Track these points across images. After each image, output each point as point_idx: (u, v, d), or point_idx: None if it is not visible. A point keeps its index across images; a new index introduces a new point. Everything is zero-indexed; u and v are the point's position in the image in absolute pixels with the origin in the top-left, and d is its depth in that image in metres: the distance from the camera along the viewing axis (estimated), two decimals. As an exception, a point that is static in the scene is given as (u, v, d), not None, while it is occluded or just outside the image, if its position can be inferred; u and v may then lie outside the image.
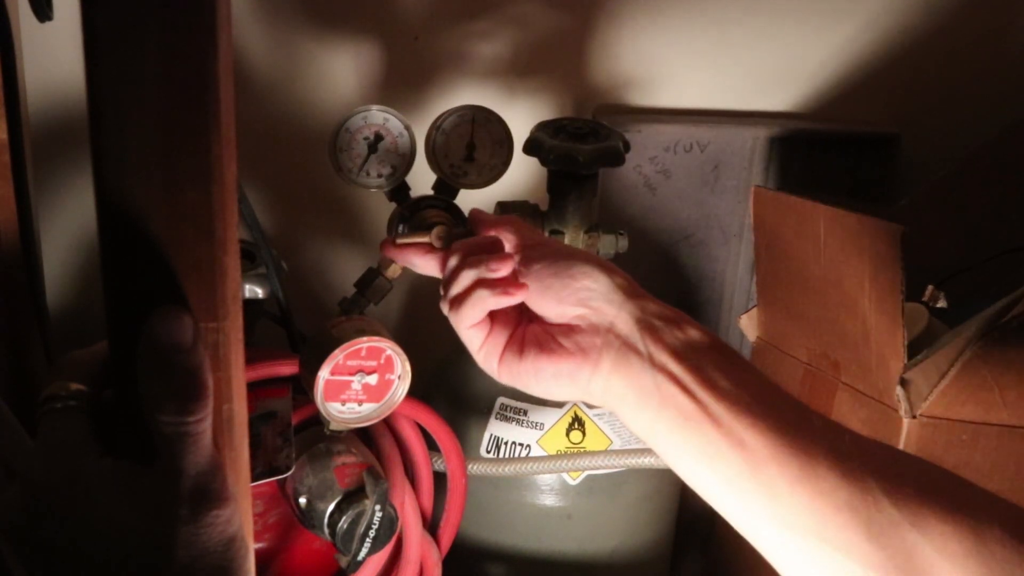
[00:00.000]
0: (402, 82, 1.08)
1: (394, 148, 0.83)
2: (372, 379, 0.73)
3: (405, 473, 0.83)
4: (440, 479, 0.87)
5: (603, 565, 0.93)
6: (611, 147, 0.84)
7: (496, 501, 0.92)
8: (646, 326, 0.54)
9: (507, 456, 0.90)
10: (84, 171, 0.39)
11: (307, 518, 0.75)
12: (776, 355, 0.90)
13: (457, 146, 0.85)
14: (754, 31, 1.11)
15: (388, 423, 0.83)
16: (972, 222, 1.00)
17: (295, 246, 1.12)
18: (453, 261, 0.62)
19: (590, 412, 0.90)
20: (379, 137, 0.83)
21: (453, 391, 0.93)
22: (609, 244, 0.88)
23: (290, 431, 0.75)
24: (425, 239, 0.83)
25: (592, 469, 0.89)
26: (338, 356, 0.71)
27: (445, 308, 0.62)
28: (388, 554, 0.79)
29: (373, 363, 0.72)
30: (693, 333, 0.54)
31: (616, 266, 0.58)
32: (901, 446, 0.74)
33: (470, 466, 0.88)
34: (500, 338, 0.60)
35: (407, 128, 0.83)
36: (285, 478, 0.75)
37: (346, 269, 1.10)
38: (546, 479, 0.90)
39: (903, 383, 0.74)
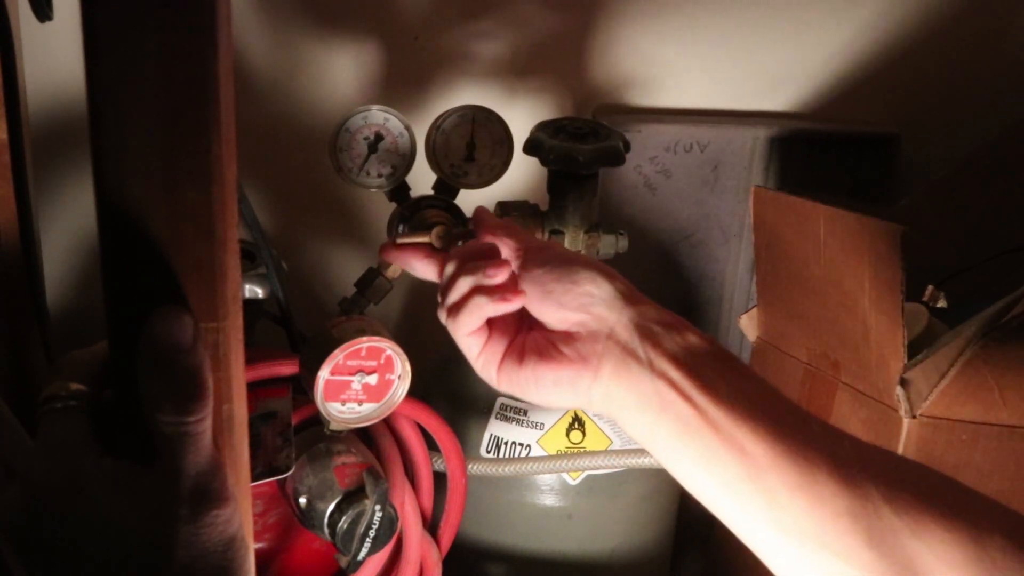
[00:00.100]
0: (402, 82, 1.08)
1: (394, 148, 0.83)
2: (372, 379, 0.73)
3: (405, 473, 0.83)
4: (440, 479, 0.87)
5: (603, 565, 0.93)
6: (611, 147, 0.84)
7: (496, 501, 0.92)
8: (646, 332, 0.54)
9: (507, 456, 0.90)
10: (84, 171, 0.39)
11: (307, 518, 0.75)
12: (776, 355, 0.90)
13: (457, 146, 0.85)
14: (754, 31, 1.11)
15: (388, 423, 0.83)
16: (972, 222, 1.00)
17: (295, 246, 1.12)
18: (450, 268, 0.61)
19: (590, 412, 0.90)
20: (379, 137, 0.83)
21: (453, 391, 0.93)
22: (609, 244, 0.88)
23: (290, 431, 0.75)
24: (425, 239, 0.83)
25: (592, 469, 0.89)
26: (338, 356, 0.71)
27: (443, 316, 0.61)
28: (388, 554, 0.79)
29: (373, 363, 0.72)
30: (693, 339, 0.54)
31: (616, 271, 0.58)
32: (901, 446, 0.74)
33: (470, 466, 0.88)
34: (499, 345, 0.59)
35: (407, 128, 0.83)
36: (285, 478, 0.75)
37: (346, 269, 1.10)
38: (546, 479, 0.90)
39: (903, 383, 0.74)
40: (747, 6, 1.10)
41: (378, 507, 0.73)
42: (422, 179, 0.86)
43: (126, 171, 0.38)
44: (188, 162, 0.38)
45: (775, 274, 0.88)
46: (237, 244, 0.42)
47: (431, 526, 0.87)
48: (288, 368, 0.78)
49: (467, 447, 0.89)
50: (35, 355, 0.79)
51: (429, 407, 0.84)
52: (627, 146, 0.86)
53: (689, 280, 1.12)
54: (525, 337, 0.59)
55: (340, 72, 1.07)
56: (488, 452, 0.90)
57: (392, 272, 0.87)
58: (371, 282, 0.88)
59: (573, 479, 0.90)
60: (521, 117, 0.91)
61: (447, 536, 0.88)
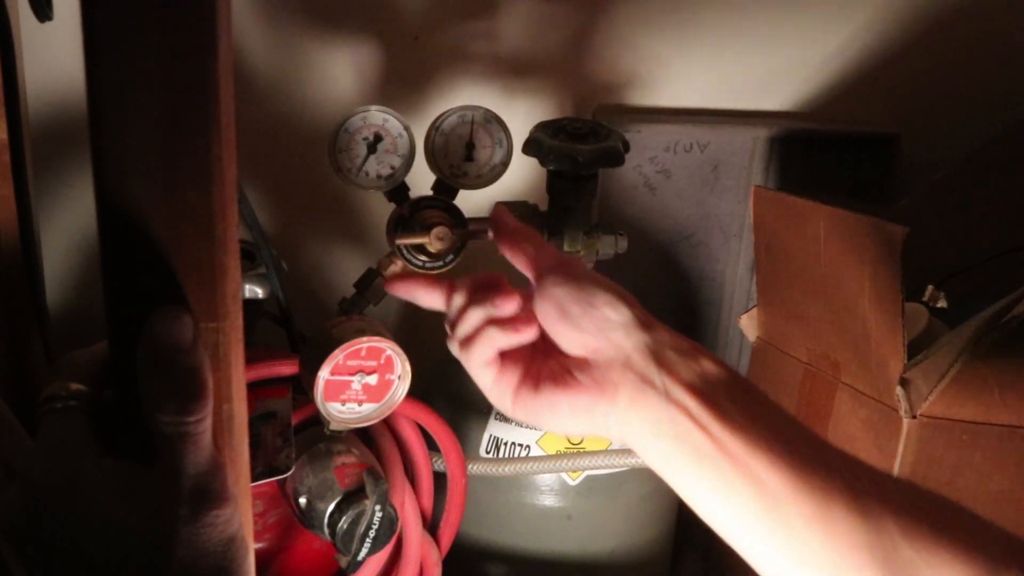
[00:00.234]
0: (401, 82, 1.08)
1: (393, 148, 0.83)
2: (372, 379, 0.73)
3: (405, 473, 0.83)
4: (440, 479, 0.87)
5: (603, 565, 0.93)
6: (611, 147, 0.84)
7: (496, 501, 0.92)
8: (661, 359, 0.53)
9: (507, 456, 0.90)
10: (84, 171, 0.39)
11: (307, 518, 0.75)
12: (776, 355, 0.90)
13: (457, 146, 0.85)
14: (754, 31, 1.11)
15: (388, 423, 0.83)
16: (972, 222, 1.00)
17: (295, 246, 1.12)
18: (458, 299, 0.60)
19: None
20: (378, 137, 0.83)
21: (453, 391, 0.93)
22: (609, 244, 0.88)
23: (290, 431, 0.75)
24: (424, 239, 0.83)
25: (592, 469, 0.89)
26: (338, 356, 0.71)
27: (454, 348, 0.60)
28: (388, 554, 0.79)
29: (373, 363, 0.72)
30: (708, 366, 0.53)
31: (632, 296, 0.57)
32: (901, 446, 0.74)
33: (470, 466, 0.88)
34: (512, 374, 0.58)
35: (406, 128, 0.83)
36: (285, 478, 0.75)
37: (346, 269, 1.10)
38: (546, 479, 0.90)
39: (903, 383, 0.74)
40: (747, 6, 1.10)
41: (378, 507, 0.73)
42: (422, 179, 0.86)
43: (126, 171, 0.38)
44: (188, 162, 0.38)
45: (775, 274, 0.88)
46: (237, 244, 0.42)
47: (431, 526, 0.87)
48: (288, 368, 0.78)
49: (467, 447, 0.89)
50: (35, 355, 0.79)
51: (429, 407, 0.84)
52: (627, 146, 0.86)
53: (689, 280, 1.12)
54: (539, 365, 0.58)
55: (340, 72, 1.07)
56: (488, 452, 0.90)
57: (392, 272, 0.87)
58: (371, 282, 0.88)
59: (573, 479, 0.90)
60: (521, 117, 0.91)
61: (447, 536, 0.88)
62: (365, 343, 0.71)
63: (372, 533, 0.73)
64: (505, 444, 0.90)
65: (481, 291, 0.59)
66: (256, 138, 1.04)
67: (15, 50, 0.72)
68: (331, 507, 0.73)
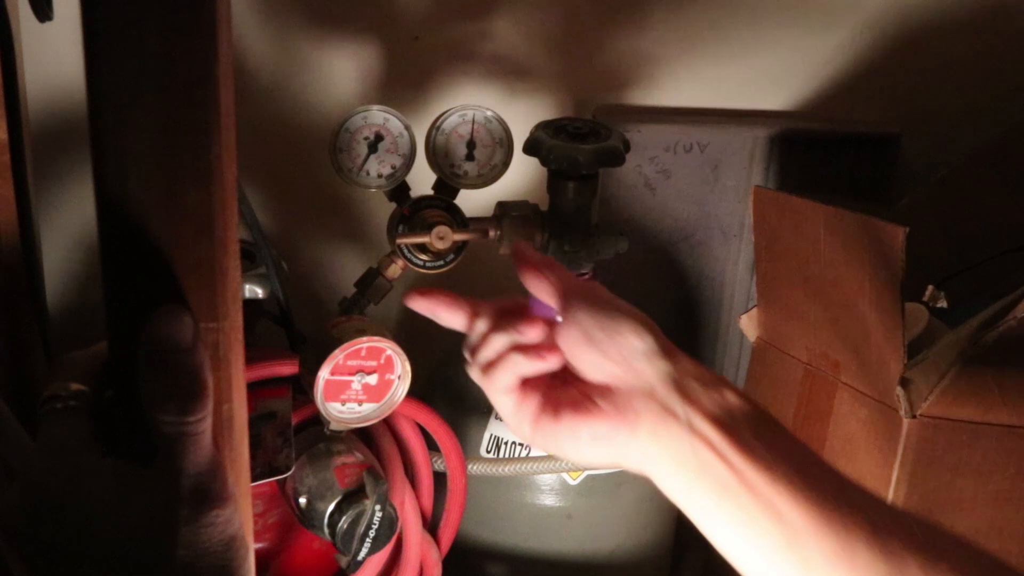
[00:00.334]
0: (402, 82, 1.08)
1: (394, 148, 0.83)
2: (372, 379, 0.73)
3: (405, 473, 0.83)
4: (440, 479, 0.87)
5: (603, 565, 0.93)
6: (611, 147, 0.84)
7: (496, 501, 0.92)
8: (684, 389, 0.53)
9: (507, 456, 0.90)
10: (84, 171, 0.39)
11: (307, 518, 0.75)
12: (776, 355, 0.90)
13: (457, 146, 0.85)
14: (754, 31, 1.11)
15: (388, 423, 0.83)
16: (972, 222, 1.00)
17: (295, 246, 1.12)
18: (481, 325, 0.59)
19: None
20: (379, 137, 0.83)
21: (453, 391, 0.93)
22: (609, 244, 0.88)
23: (290, 431, 0.75)
24: (425, 239, 0.84)
25: (592, 469, 0.89)
26: (338, 356, 0.71)
27: (475, 373, 0.59)
28: (388, 554, 0.79)
29: (373, 363, 0.73)
30: (731, 398, 0.52)
31: (655, 324, 0.56)
32: (901, 446, 0.74)
33: (470, 466, 0.88)
34: (532, 401, 0.57)
35: (407, 128, 0.83)
36: (285, 478, 0.75)
37: (346, 269, 1.10)
38: (546, 479, 0.90)
39: (903, 383, 0.73)
40: (747, 6, 1.10)
41: (378, 507, 0.73)
42: (422, 179, 0.86)
43: (126, 171, 0.38)
44: (188, 162, 0.38)
45: (775, 274, 0.88)
46: (237, 244, 0.42)
47: (431, 526, 0.87)
48: (288, 368, 0.78)
49: (467, 447, 0.89)
50: (35, 355, 0.79)
51: (429, 407, 0.84)
52: (627, 146, 0.86)
53: (689, 280, 1.12)
54: (558, 392, 0.57)
55: (340, 72, 1.07)
56: (488, 452, 0.90)
57: (392, 272, 0.88)
58: (371, 282, 0.88)
59: (573, 479, 0.90)
60: (521, 117, 0.91)
61: (447, 536, 0.88)
62: (365, 343, 0.71)
63: (372, 533, 0.73)
64: (506, 444, 0.90)
65: (505, 316, 0.58)
66: (256, 138, 1.04)
67: (15, 50, 0.72)
68: (331, 507, 0.73)
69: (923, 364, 0.73)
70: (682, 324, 1.13)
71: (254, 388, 0.77)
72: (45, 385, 0.43)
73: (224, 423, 0.43)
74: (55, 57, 0.89)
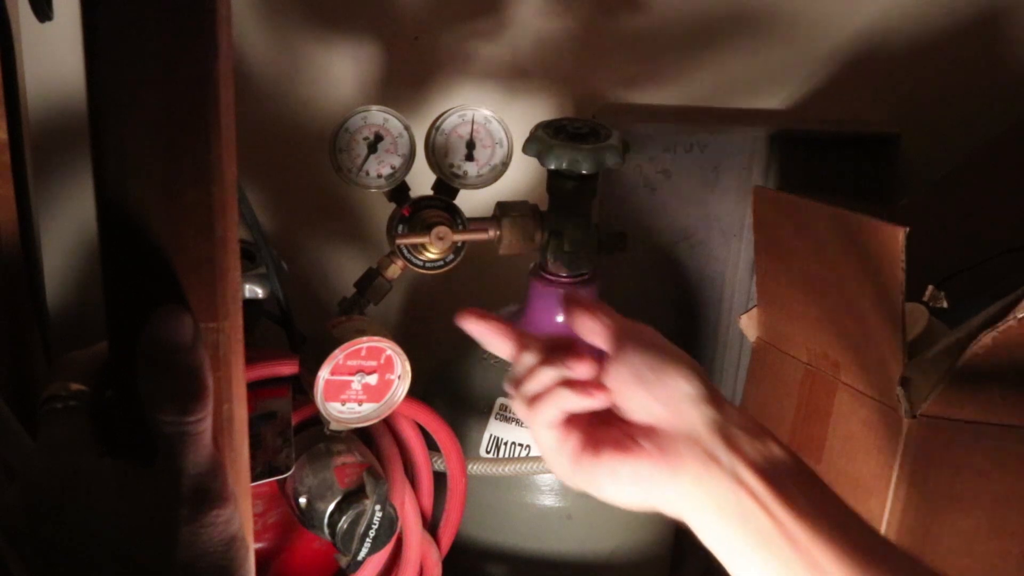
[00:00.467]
0: (402, 82, 1.08)
1: (394, 148, 0.83)
2: (372, 379, 0.73)
3: (405, 473, 0.83)
4: (440, 479, 0.87)
5: (603, 565, 0.93)
6: (611, 147, 0.84)
7: (496, 501, 0.92)
8: (729, 437, 0.52)
9: (507, 456, 0.90)
10: (84, 171, 0.39)
11: (307, 518, 0.75)
12: (776, 355, 0.90)
13: (457, 146, 0.85)
14: (754, 31, 1.11)
15: (388, 423, 0.83)
16: (972, 222, 1.00)
17: (295, 246, 1.12)
18: (530, 358, 0.58)
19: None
20: (379, 137, 0.83)
21: (453, 391, 0.93)
22: (609, 244, 0.88)
23: (290, 431, 0.75)
24: (425, 239, 0.84)
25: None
26: (338, 356, 0.71)
27: (519, 406, 0.59)
28: (388, 554, 0.79)
29: (373, 363, 0.73)
30: (775, 449, 0.52)
31: (703, 370, 0.56)
32: (901, 446, 0.74)
33: (470, 466, 0.88)
34: (574, 439, 0.57)
35: (407, 128, 0.83)
36: (285, 478, 0.75)
37: (346, 269, 1.10)
38: (546, 479, 0.90)
39: (903, 383, 0.73)
40: (748, 5, 1.10)
41: (378, 507, 0.73)
42: (422, 179, 0.86)
43: (126, 171, 0.38)
44: (188, 162, 0.38)
45: (775, 274, 0.88)
46: (237, 244, 0.42)
47: (431, 526, 0.87)
48: (288, 368, 0.78)
49: (467, 447, 0.89)
50: (35, 355, 0.79)
51: (429, 407, 0.84)
52: (627, 146, 0.86)
53: (689, 280, 1.12)
54: (600, 432, 0.57)
55: (340, 72, 1.07)
56: (488, 452, 0.90)
57: (392, 272, 0.88)
58: (371, 282, 0.88)
59: (573, 479, 0.90)
60: (521, 117, 0.91)
61: (447, 536, 0.88)
62: (365, 343, 0.71)
63: (372, 533, 0.73)
64: (505, 444, 0.90)
65: (555, 351, 0.58)
66: (256, 138, 1.04)
67: (15, 50, 0.72)
68: (331, 507, 0.73)
69: (923, 364, 0.73)
70: (682, 324, 1.13)
71: (254, 388, 0.77)
72: (45, 385, 0.43)
73: (224, 423, 0.43)
74: (55, 57, 0.89)
